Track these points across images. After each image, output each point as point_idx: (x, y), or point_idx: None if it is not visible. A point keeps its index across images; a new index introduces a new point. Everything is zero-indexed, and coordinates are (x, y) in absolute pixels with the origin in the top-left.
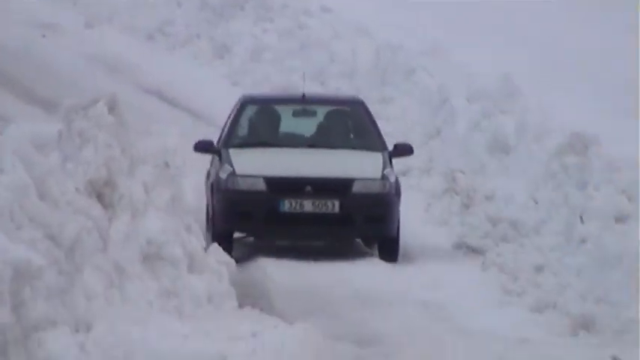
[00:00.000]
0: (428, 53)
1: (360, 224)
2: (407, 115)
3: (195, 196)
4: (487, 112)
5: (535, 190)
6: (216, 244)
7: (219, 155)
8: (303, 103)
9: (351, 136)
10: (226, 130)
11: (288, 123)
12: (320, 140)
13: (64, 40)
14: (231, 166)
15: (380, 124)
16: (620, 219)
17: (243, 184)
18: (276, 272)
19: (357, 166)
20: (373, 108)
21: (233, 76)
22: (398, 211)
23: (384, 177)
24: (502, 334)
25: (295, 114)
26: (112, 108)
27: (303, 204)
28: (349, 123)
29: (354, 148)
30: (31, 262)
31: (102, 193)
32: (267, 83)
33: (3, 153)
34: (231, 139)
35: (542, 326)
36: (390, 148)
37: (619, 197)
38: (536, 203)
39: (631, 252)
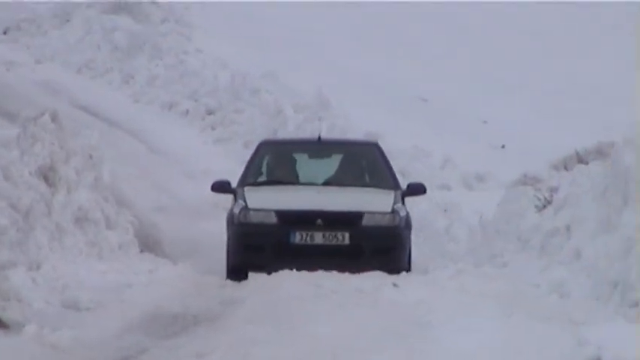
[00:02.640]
0: (267, 77)
1: (370, 255)
2: (253, 121)
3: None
4: (308, 118)
5: None
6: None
7: (235, 194)
8: (319, 146)
9: (365, 175)
10: (243, 171)
11: (304, 165)
12: (333, 179)
13: (21, 71)
14: (244, 201)
15: (233, 128)
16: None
17: (254, 218)
18: (166, 227)
19: (367, 201)
20: (230, 117)
21: (135, 96)
22: (408, 244)
23: (394, 211)
24: None
25: (311, 156)
26: (54, 118)
27: (313, 236)
28: (363, 164)
29: (366, 186)
30: None
31: (47, 175)
32: (158, 101)
33: None
34: (247, 178)
35: None
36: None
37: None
38: None
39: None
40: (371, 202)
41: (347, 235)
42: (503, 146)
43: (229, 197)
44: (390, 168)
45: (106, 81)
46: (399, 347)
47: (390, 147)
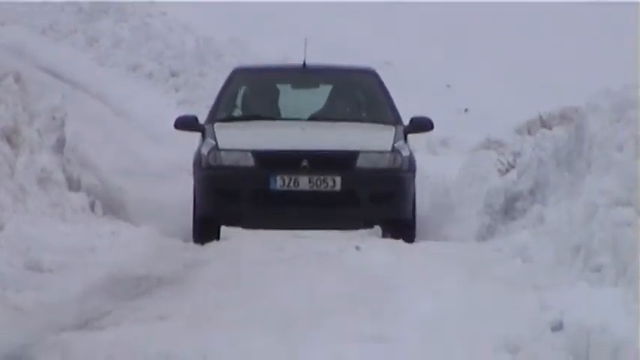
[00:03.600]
0: (233, 43)
1: (366, 204)
2: (217, 85)
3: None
4: None
5: None
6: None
7: (203, 132)
8: (304, 74)
9: (359, 108)
10: (213, 104)
11: (287, 96)
12: (321, 113)
13: None
14: (215, 140)
15: (198, 91)
16: None
17: (227, 159)
18: (130, 190)
19: (363, 138)
20: (194, 80)
21: (100, 59)
22: (412, 190)
23: (394, 149)
24: None
25: (295, 86)
26: (18, 80)
27: (298, 181)
28: (357, 95)
29: (361, 121)
30: None
31: (10, 137)
32: (124, 64)
33: None
34: (218, 113)
35: None
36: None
37: None
38: None
39: None
40: (367, 139)
41: (338, 179)
42: (466, 110)
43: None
44: (389, 99)
45: (70, 43)
46: (361, 310)
47: None
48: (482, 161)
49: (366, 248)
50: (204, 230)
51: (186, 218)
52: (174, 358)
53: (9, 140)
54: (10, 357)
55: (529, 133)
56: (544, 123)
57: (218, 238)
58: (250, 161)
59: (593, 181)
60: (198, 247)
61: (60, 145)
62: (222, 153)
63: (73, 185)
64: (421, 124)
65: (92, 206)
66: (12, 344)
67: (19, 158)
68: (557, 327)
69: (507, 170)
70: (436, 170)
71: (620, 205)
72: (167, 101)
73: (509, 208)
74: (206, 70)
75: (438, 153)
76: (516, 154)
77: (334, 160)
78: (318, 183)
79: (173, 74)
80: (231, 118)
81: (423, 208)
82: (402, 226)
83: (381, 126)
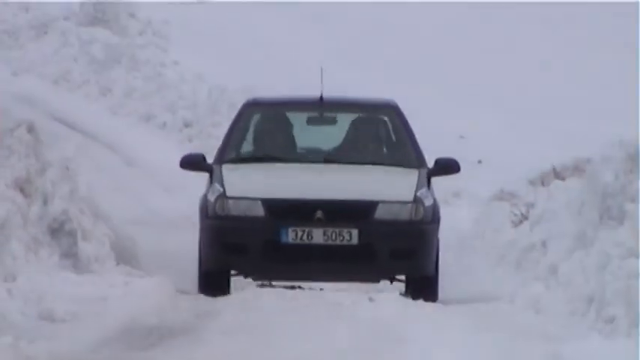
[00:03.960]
0: (246, 92)
1: (385, 260)
2: None
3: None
4: None
5: None
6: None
7: (211, 174)
8: (321, 108)
9: (380, 148)
10: (222, 141)
11: (301, 134)
12: (339, 154)
13: None
14: (222, 186)
15: (211, 141)
16: None
17: (235, 209)
18: (142, 240)
19: (383, 185)
20: (207, 130)
21: (112, 108)
22: (435, 243)
23: (416, 199)
24: None
25: (310, 121)
26: (30, 130)
27: (311, 234)
28: (378, 132)
29: (382, 163)
30: None
31: (23, 187)
32: (137, 114)
33: None
34: (226, 153)
35: None
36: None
37: None
38: None
39: None
40: (387, 186)
41: (355, 232)
42: (479, 161)
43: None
44: (412, 137)
45: (84, 93)
46: None
47: None
48: (496, 212)
49: (380, 300)
50: (211, 284)
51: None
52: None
53: (22, 190)
54: None
55: (542, 184)
56: (557, 174)
57: (229, 291)
58: (260, 211)
59: (606, 232)
60: (209, 297)
61: (72, 195)
62: (231, 202)
63: (86, 235)
64: (447, 166)
65: (105, 256)
66: None
67: (31, 208)
68: None
69: (521, 221)
70: (449, 221)
71: (633, 257)
72: (180, 152)
73: (522, 259)
74: (219, 120)
75: (450, 204)
76: (529, 205)
77: (351, 211)
78: (334, 236)
79: (186, 124)
80: (240, 159)
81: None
82: (423, 284)
83: (403, 170)
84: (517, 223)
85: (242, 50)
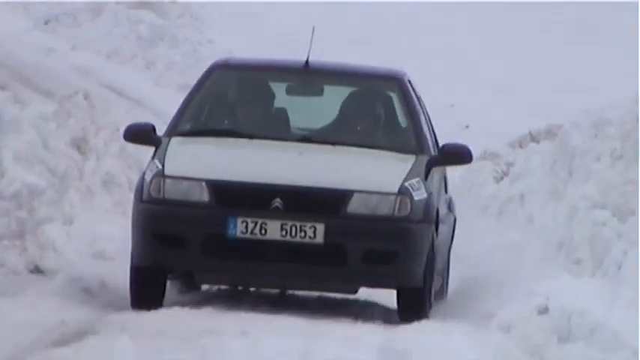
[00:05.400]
0: None
1: (356, 265)
2: None
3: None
4: None
5: None
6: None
7: (156, 148)
8: (305, 76)
9: (374, 128)
10: (177, 110)
11: (278, 106)
12: (320, 132)
13: (58, 56)
14: (162, 163)
15: None
16: None
17: (173, 191)
18: None
19: (362, 172)
20: None
21: (156, 80)
22: (427, 248)
23: (402, 191)
24: None
25: (290, 91)
26: (86, 97)
27: (266, 227)
28: (374, 110)
29: (372, 146)
30: (39, 185)
31: (79, 145)
32: (175, 84)
33: (25, 123)
34: (180, 124)
35: None
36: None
37: None
38: None
39: None
40: (367, 173)
41: (321, 228)
42: (467, 126)
43: None
44: (416, 118)
45: (131, 66)
46: None
47: None
48: (480, 170)
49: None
50: (143, 284)
51: None
52: (217, 332)
53: (78, 148)
54: (78, 331)
55: (520, 146)
56: (533, 138)
57: (162, 296)
58: (204, 195)
59: (574, 187)
60: None
61: (122, 153)
62: (169, 182)
63: (133, 186)
64: (456, 154)
65: None
66: (80, 320)
67: (86, 163)
68: (544, 311)
69: (502, 178)
70: None
71: (597, 208)
72: None
73: (503, 211)
74: None
75: None
76: (509, 164)
77: (317, 202)
78: (293, 232)
79: None
80: (195, 132)
81: None
82: (407, 297)
83: (395, 155)
84: (498, 179)
85: (269, 31)
